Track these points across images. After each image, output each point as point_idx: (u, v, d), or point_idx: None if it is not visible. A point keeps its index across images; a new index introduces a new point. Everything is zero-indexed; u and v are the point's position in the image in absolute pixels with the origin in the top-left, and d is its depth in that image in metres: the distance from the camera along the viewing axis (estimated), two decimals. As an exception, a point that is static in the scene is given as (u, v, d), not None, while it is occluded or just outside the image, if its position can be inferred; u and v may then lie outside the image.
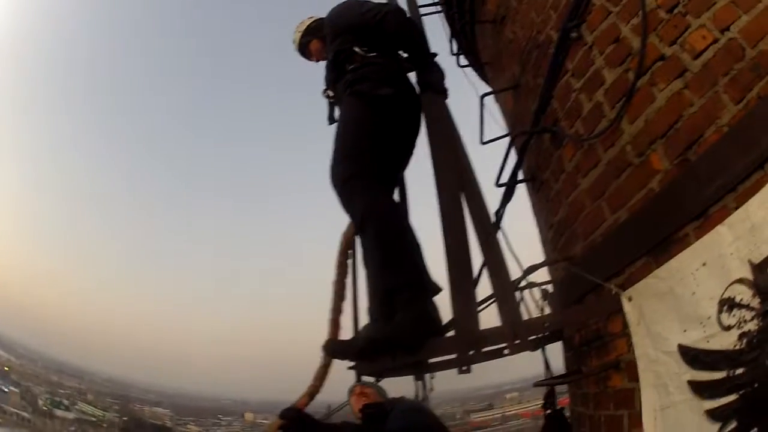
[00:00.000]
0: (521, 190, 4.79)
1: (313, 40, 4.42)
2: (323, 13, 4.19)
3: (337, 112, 3.82)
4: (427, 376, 3.84)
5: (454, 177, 3.24)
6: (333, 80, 3.75)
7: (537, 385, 3.90)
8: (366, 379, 3.52)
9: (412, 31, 3.78)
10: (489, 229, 3.15)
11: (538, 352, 3.64)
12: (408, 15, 3.98)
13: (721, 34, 2.24)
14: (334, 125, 3.58)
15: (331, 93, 3.86)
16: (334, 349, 3.19)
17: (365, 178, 3.20)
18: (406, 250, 3.08)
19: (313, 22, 4.49)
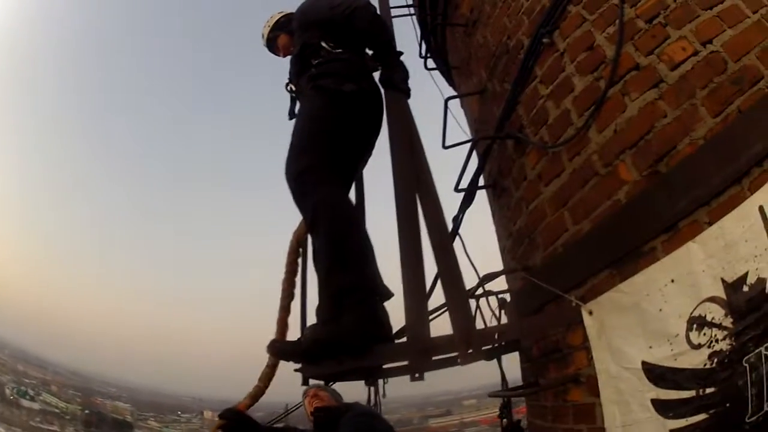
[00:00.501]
0: (482, 197, 4.74)
1: (281, 34, 4.35)
2: (293, 9, 4.12)
3: (298, 107, 3.74)
4: (381, 381, 3.76)
5: (411, 179, 3.16)
6: (297, 74, 3.66)
7: (492, 396, 3.85)
8: (317, 382, 3.44)
9: (380, 28, 3.69)
10: (444, 235, 3.08)
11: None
12: (377, 12, 3.92)
13: (702, 46, 2.22)
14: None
15: (293, 87, 3.79)
16: (278, 349, 3.08)
17: (320, 173, 3.10)
18: (357, 249, 3.00)
19: (282, 17, 4.44)
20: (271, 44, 4.48)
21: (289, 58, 4.05)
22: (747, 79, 2.00)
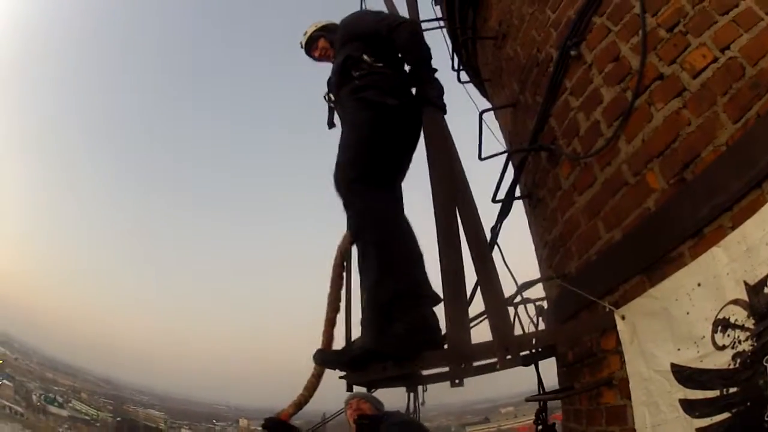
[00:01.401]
0: (519, 206, 4.79)
1: (324, 36, 4.48)
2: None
3: (336, 117, 3.84)
4: (420, 389, 3.81)
5: (450, 193, 3.25)
6: (337, 85, 3.77)
7: (529, 400, 3.88)
8: (359, 389, 3.50)
9: (420, 45, 3.82)
10: (483, 245, 3.15)
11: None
12: (420, 30, 4.02)
13: (721, 53, 2.25)
14: (334, 129, 3.61)
15: (332, 97, 3.89)
16: (323, 358, 3.16)
17: (370, 182, 3.22)
18: (407, 256, 3.09)
19: (329, 23, 4.57)
20: (311, 44, 4.58)
21: (317, 63, 4.20)
22: (764, 84, 2.03)
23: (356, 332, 3.22)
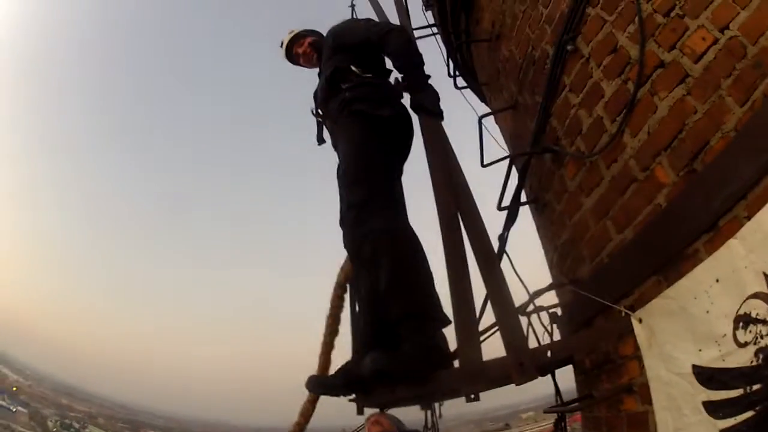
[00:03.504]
0: (527, 212, 4.68)
1: (311, 36, 4.42)
2: None
3: (326, 132, 3.78)
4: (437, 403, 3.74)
5: (452, 202, 3.17)
6: (325, 98, 3.69)
7: (547, 411, 3.76)
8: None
9: (412, 51, 3.72)
10: (490, 254, 3.05)
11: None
12: (411, 36, 3.96)
13: (720, 33, 2.13)
14: (324, 145, 3.56)
15: (320, 111, 3.82)
16: (315, 384, 3.11)
17: (382, 200, 3.14)
18: (420, 276, 3.00)
19: (309, 30, 4.52)
20: (295, 41, 4.51)
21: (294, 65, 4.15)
22: (766, 63, 1.92)
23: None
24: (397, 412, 3.93)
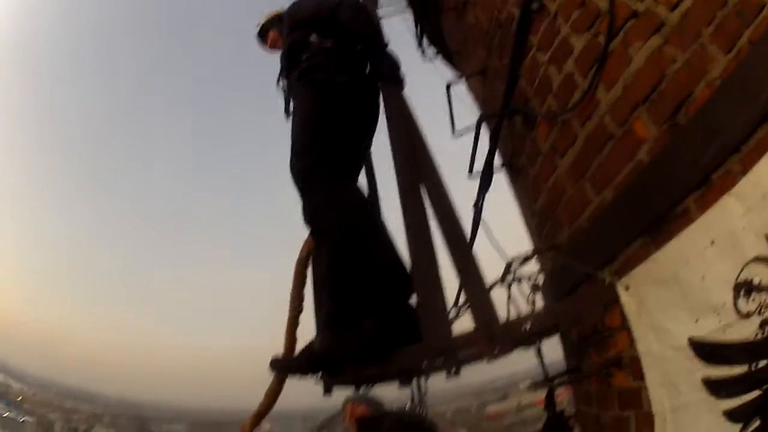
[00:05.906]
0: (503, 179, 4.57)
1: (272, 29, 4.35)
2: None
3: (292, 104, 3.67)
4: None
5: (414, 172, 3.04)
6: (287, 70, 3.61)
7: (532, 388, 3.65)
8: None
9: (365, 20, 3.61)
10: (456, 227, 2.93)
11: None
12: (363, 5, 3.83)
13: (696, -21, 1.96)
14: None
15: (284, 84, 3.72)
16: (279, 365, 3.03)
17: (328, 169, 3.02)
18: (375, 246, 2.89)
19: (278, 15, 4.37)
20: (263, 36, 4.48)
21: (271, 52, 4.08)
22: (748, 11, 1.75)
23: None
24: (384, 390, 3.84)
